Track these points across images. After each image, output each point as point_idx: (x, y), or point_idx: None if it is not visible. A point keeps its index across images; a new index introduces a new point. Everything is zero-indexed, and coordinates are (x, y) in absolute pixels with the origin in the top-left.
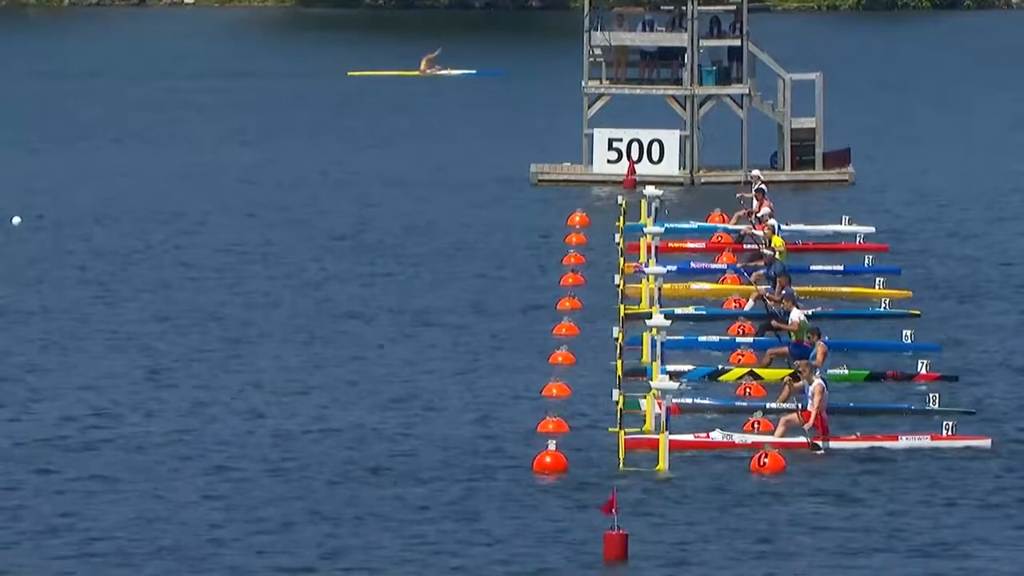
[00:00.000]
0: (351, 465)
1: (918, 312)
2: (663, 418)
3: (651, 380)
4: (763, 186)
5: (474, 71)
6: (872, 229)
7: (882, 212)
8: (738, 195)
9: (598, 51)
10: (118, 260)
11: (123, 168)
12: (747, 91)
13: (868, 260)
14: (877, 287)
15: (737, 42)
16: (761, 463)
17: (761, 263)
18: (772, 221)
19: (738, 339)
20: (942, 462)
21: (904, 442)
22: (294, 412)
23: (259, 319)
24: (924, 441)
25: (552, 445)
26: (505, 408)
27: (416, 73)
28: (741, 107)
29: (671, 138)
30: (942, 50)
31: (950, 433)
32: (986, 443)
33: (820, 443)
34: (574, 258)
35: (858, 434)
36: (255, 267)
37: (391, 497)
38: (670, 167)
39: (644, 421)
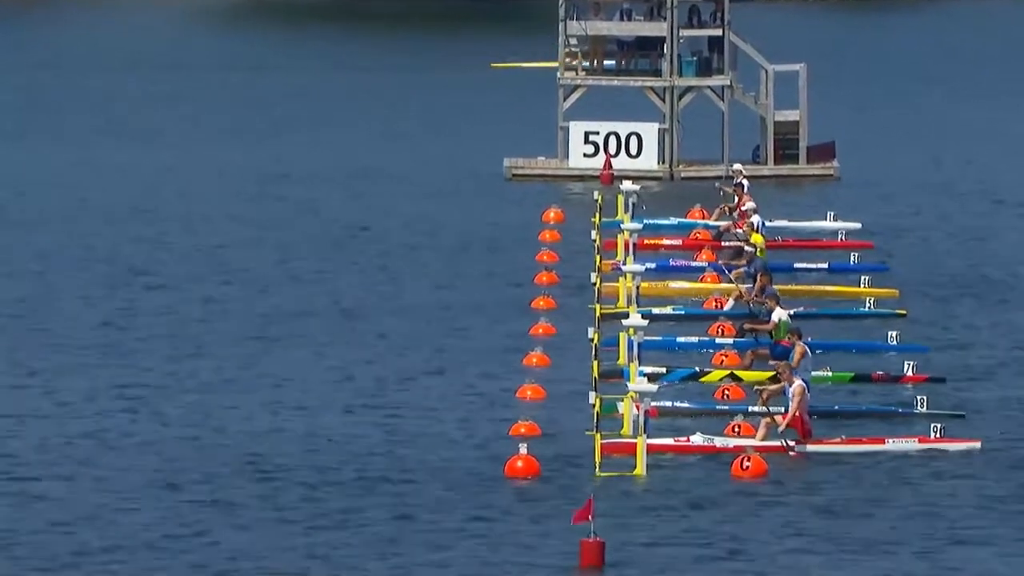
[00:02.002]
0: (316, 470)
1: (904, 312)
2: (641, 421)
3: (628, 382)
4: (744, 180)
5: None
6: (858, 225)
7: (868, 208)
8: (718, 186)
9: (574, 41)
10: (72, 260)
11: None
12: (728, 83)
13: (854, 258)
14: (863, 286)
15: (718, 32)
16: (743, 467)
17: (742, 261)
18: (755, 217)
19: (718, 340)
20: (930, 465)
21: (891, 445)
22: (258, 416)
23: (217, 320)
24: (912, 444)
25: (524, 449)
26: (477, 411)
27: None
28: (722, 99)
29: (650, 131)
30: (929, 41)
31: (938, 436)
32: (976, 445)
33: (794, 445)
34: (548, 256)
35: (843, 437)
36: (212, 267)
37: (356, 503)
38: (649, 161)
39: (622, 424)
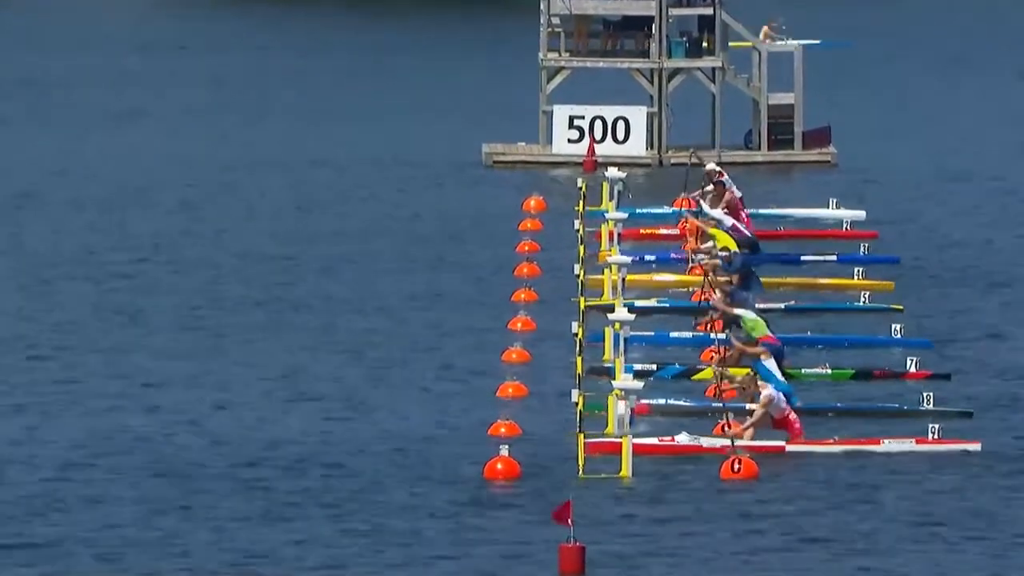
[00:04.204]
0: (284, 471)
1: (900, 307)
2: (627, 420)
3: (613, 379)
4: (724, 179)
5: (818, 41)
6: (862, 214)
7: (865, 196)
8: (695, 196)
9: (556, 20)
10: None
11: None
12: (720, 64)
13: (864, 248)
14: (856, 278)
15: (709, 11)
16: (734, 469)
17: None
18: (727, 220)
19: (712, 335)
20: (926, 467)
21: (887, 446)
22: (229, 412)
23: (171, 311)
24: (908, 445)
25: (504, 450)
26: (454, 410)
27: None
28: (713, 82)
29: (638, 116)
30: (931, 21)
31: (937, 436)
32: (976, 447)
33: (737, 446)
34: (529, 246)
35: (836, 438)
36: (172, 254)
37: (327, 505)
38: (637, 147)
39: (607, 424)
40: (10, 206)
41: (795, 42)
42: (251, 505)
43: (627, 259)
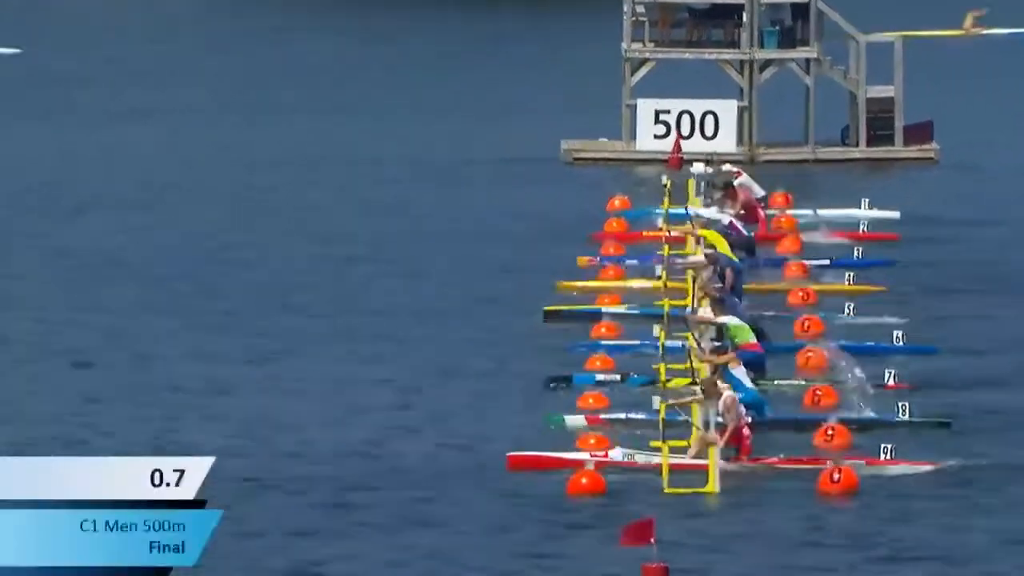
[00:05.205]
0: (353, 482)
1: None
2: (712, 432)
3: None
4: (741, 179)
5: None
6: (897, 215)
7: (969, 195)
8: (726, 168)
9: (640, 9)
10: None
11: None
12: (814, 55)
13: (858, 252)
14: (847, 282)
15: None
16: (833, 480)
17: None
18: (724, 218)
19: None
20: (876, 488)
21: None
22: (261, 422)
23: (249, 310)
24: (858, 465)
25: (590, 464)
26: (539, 423)
27: (959, 32)
28: (807, 73)
29: (728, 110)
30: None
31: (889, 457)
32: (927, 468)
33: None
34: (614, 248)
35: (781, 456)
36: (227, 253)
37: (399, 521)
38: (727, 143)
39: (691, 434)
40: (69, 207)
41: (1002, 31)
42: (315, 517)
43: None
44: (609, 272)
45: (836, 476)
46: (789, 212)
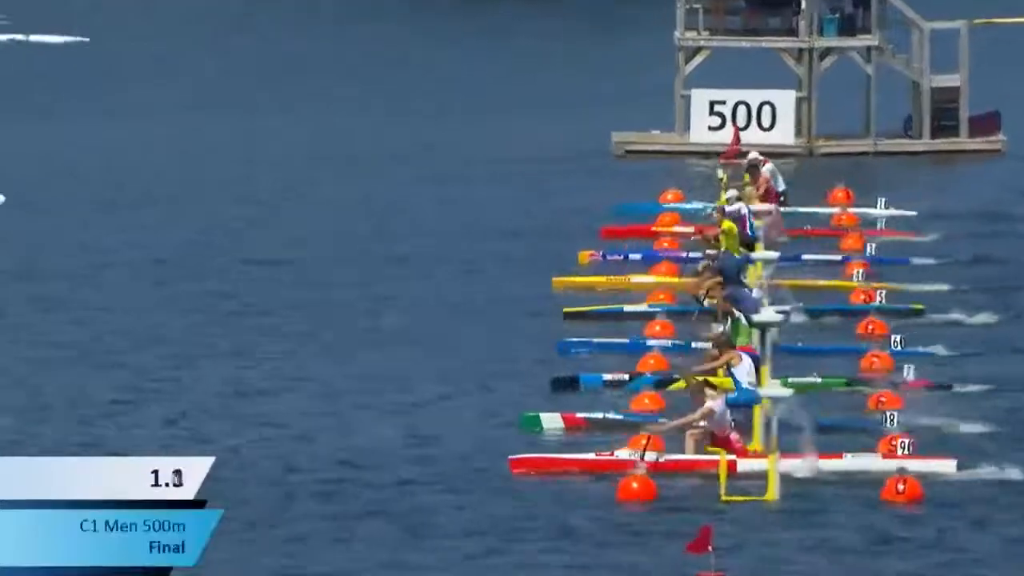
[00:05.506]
0: (397, 485)
1: (921, 306)
2: (774, 438)
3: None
4: (768, 166)
5: None
6: (914, 213)
7: None
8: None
9: None
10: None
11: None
12: (876, 43)
13: (871, 249)
14: (855, 280)
15: None
16: (898, 490)
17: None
18: (743, 209)
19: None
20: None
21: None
22: (260, 422)
23: (285, 307)
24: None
25: (640, 469)
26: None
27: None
28: (869, 62)
29: (785, 100)
30: None
31: (907, 452)
32: (951, 463)
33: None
34: (668, 243)
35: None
36: (230, 252)
37: (448, 525)
38: (784, 135)
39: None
40: (127, 202)
41: None
42: (316, 517)
43: (774, 255)
44: (661, 269)
45: (901, 487)
46: (851, 210)
